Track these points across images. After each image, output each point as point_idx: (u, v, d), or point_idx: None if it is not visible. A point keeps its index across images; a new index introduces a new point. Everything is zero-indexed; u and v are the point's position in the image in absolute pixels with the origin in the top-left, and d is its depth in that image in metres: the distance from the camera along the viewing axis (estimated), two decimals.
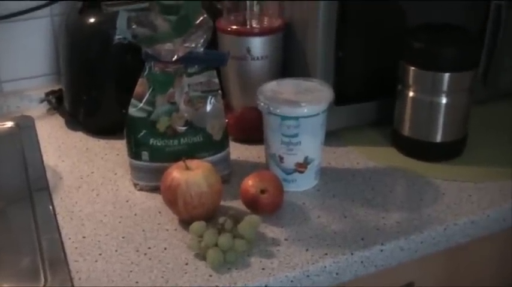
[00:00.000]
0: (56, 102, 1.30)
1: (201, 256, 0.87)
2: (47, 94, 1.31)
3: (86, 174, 1.09)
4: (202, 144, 1.01)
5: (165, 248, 0.89)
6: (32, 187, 1.04)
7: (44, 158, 1.14)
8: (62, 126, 1.26)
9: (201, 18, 0.97)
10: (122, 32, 0.96)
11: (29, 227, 0.95)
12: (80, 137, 1.22)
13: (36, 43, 1.33)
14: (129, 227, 0.94)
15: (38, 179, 1.06)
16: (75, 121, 1.25)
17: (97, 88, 1.20)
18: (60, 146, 1.19)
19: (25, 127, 1.24)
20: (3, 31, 1.29)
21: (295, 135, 0.98)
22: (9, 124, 1.24)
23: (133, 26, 0.95)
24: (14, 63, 1.32)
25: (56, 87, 1.32)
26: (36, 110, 1.32)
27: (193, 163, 0.94)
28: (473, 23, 1.20)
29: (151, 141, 1.00)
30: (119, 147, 1.16)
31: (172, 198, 0.92)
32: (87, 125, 1.23)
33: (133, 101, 0.99)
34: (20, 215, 1.00)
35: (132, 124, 1.00)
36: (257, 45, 1.12)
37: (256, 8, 1.15)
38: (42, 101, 1.31)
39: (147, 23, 0.96)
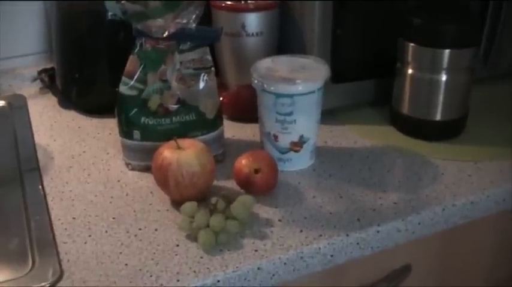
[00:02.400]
0: (48, 80, 1.27)
1: (193, 237, 0.85)
2: (40, 72, 1.29)
3: (77, 153, 1.07)
4: (195, 123, 0.99)
5: (156, 229, 0.87)
6: (23, 167, 1.02)
7: (36, 137, 1.12)
8: (55, 105, 1.24)
9: None
10: (111, 8, 0.94)
11: (18, 208, 0.93)
12: (72, 116, 1.20)
13: (29, 21, 1.31)
14: (119, 208, 0.92)
15: (28, 159, 1.04)
16: (68, 100, 1.22)
17: (89, 66, 1.18)
18: (52, 125, 1.17)
19: (17, 106, 1.22)
20: None
21: (290, 114, 0.96)
22: (0, 103, 1.22)
23: (123, 2, 0.93)
24: (6, 41, 1.30)
25: (49, 66, 1.29)
26: (29, 88, 1.29)
27: (184, 142, 0.92)
28: (475, 1, 1.17)
29: (143, 119, 0.97)
30: (111, 126, 1.14)
31: (163, 178, 0.90)
32: (80, 103, 1.21)
33: (124, 78, 0.97)
34: (10, 196, 0.98)
35: (123, 102, 0.97)
36: (252, 21, 1.09)
37: None
38: (34, 79, 1.29)
39: None
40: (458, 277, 1.07)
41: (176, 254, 0.82)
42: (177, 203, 0.91)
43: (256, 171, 0.92)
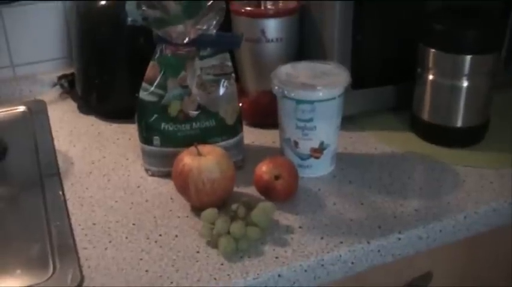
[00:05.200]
0: (68, 86, 1.28)
1: (213, 243, 0.85)
2: (59, 78, 1.30)
3: (97, 159, 1.07)
4: (214, 129, 0.99)
5: (176, 236, 0.87)
6: (43, 173, 1.03)
7: (56, 143, 1.12)
8: (74, 111, 1.24)
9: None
10: (131, 14, 0.94)
11: (39, 213, 0.93)
12: (92, 122, 1.20)
13: (48, 26, 1.32)
14: (140, 214, 0.92)
15: (49, 165, 1.05)
16: (87, 105, 1.23)
17: (109, 72, 1.18)
18: (72, 131, 1.17)
19: (37, 112, 1.23)
20: (15, 15, 1.27)
21: (311, 120, 0.95)
22: (21, 109, 1.23)
23: (144, 8, 0.93)
24: (27, 47, 1.31)
25: (69, 71, 1.30)
26: (49, 94, 1.30)
27: (205, 148, 0.92)
28: (496, 5, 1.16)
29: (163, 125, 0.97)
30: (131, 131, 1.14)
31: (184, 184, 0.89)
32: (99, 109, 1.21)
33: (144, 84, 0.97)
34: (30, 202, 0.98)
35: (143, 108, 0.97)
36: (272, 27, 1.09)
37: None
38: (54, 85, 1.30)
39: (157, 5, 0.93)
40: (480, 284, 1.05)
41: (197, 261, 0.82)
42: (197, 210, 0.91)
43: (277, 177, 0.92)
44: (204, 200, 0.89)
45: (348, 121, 1.10)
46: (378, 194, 0.96)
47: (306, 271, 0.82)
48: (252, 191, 0.95)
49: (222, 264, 0.82)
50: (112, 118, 1.20)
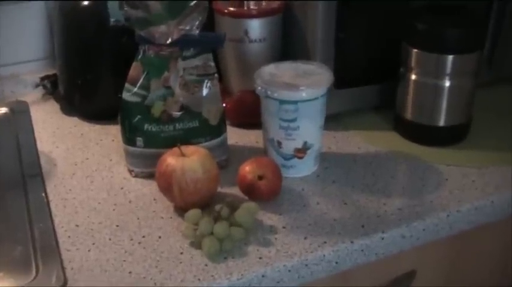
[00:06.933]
0: (51, 87, 1.27)
1: (197, 244, 0.85)
2: (42, 79, 1.29)
3: (80, 160, 1.07)
4: (198, 129, 0.98)
5: (160, 237, 0.87)
6: (26, 174, 1.02)
7: (38, 144, 1.12)
8: (57, 112, 1.24)
9: None
10: (114, 14, 0.93)
11: (21, 215, 0.93)
12: (75, 122, 1.20)
13: (31, 27, 1.31)
14: (123, 215, 0.92)
15: (31, 166, 1.04)
16: (70, 106, 1.22)
17: (92, 72, 1.17)
18: (55, 132, 1.16)
19: (19, 113, 1.22)
20: None
21: (294, 120, 0.96)
22: (3, 110, 1.22)
23: (126, 8, 0.92)
24: (9, 47, 1.30)
25: (51, 72, 1.29)
26: (31, 95, 1.29)
27: (188, 149, 0.91)
28: (478, 4, 1.17)
29: (146, 126, 0.97)
30: (114, 132, 1.13)
31: (167, 185, 0.89)
32: (82, 109, 1.21)
33: (127, 85, 0.96)
34: (13, 203, 0.98)
35: (126, 109, 0.97)
36: (255, 27, 1.09)
37: None
38: (37, 85, 1.29)
39: (140, 5, 0.93)
40: (464, 282, 1.06)
41: (180, 262, 0.82)
42: (180, 210, 0.91)
43: (260, 177, 0.92)
44: (187, 200, 0.89)
45: (332, 121, 1.10)
46: (362, 193, 0.96)
47: (289, 271, 0.82)
48: (235, 191, 0.95)
49: (206, 265, 0.82)
50: (95, 119, 1.19)
